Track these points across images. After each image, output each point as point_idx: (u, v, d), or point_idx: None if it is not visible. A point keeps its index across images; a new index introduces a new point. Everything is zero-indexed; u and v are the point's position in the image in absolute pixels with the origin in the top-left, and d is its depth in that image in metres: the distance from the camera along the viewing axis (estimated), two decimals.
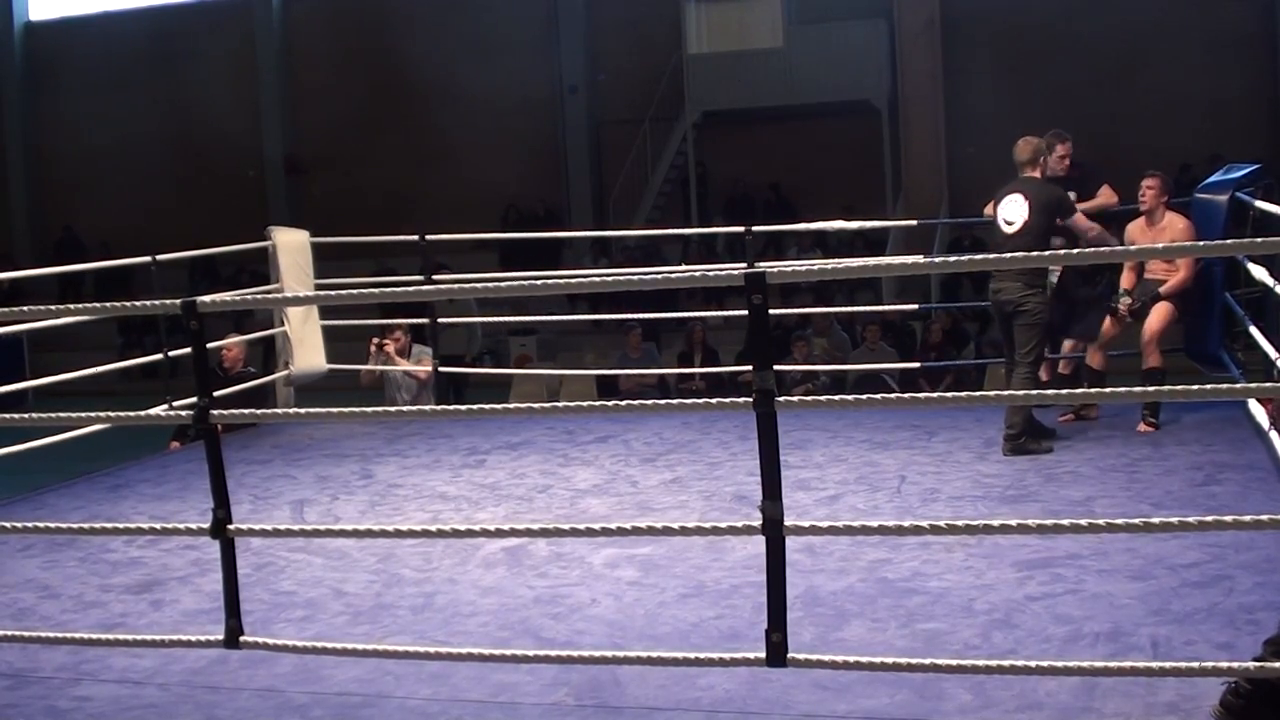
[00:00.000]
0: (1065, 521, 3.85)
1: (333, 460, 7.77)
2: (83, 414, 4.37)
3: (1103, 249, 4.17)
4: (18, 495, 7.38)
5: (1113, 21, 18.73)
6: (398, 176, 21.89)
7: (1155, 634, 4.29)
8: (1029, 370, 7.06)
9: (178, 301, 3.94)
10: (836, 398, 3.84)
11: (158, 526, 5.20)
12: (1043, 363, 7.43)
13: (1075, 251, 4.01)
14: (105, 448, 8.38)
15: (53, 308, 5.17)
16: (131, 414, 4.43)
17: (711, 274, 4.71)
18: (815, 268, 3.94)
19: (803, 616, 4.55)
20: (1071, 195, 7.54)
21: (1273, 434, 6.35)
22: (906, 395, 3.86)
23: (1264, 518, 3.54)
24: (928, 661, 3.72)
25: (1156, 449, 6.94)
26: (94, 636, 4.73)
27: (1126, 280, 7.65)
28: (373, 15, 22.39)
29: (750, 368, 3.59)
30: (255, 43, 23.06)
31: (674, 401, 4.02)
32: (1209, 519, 3.74)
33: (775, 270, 3.81)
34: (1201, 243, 7.23)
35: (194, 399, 3.97)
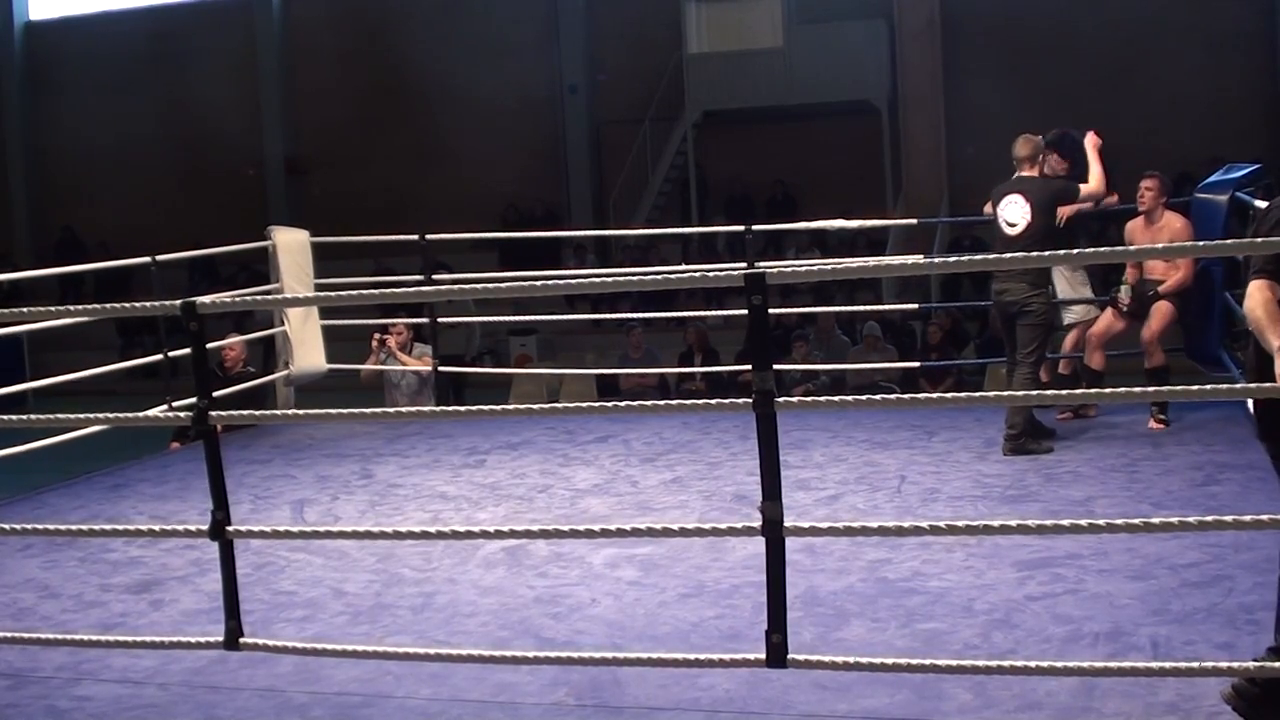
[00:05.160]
0: (1065, 521, 3.85)
1: (333, 460, 7.77)
2: (83, 414, 4.37)
3: (1103, 249, 4.16)
4: (18, 495, 7.38)
5: (1112, 21, 18.72)
6: (398, 176, 21.87)
7: (1155, 634, 4.29)
8: (1030, 370, 7.06)
9: (177, 302, 3.94)
10: (836, 398, 3.84)
11: (157, 527, 5.19)
12: (1043, 363, 7.44)
13: (1075, 252, 4.01)
14: (105, 448, 8.38)
15: (53, 308, 5.18)
16: (131, 414, 4.43)
17: (711, 274, 4.71)
18: (815, 268, 3.94)
19: (803, 616, 4.55)
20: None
21: None
22: (906, 395, 3.86)
23: (1264, 518, 3.54)
24: (928, 661, 3.73)
25: (1156, 449, 6.94)
26: (94, 637, 4.73)
27: (1130, 278, 7.66)
28: (373, 15, 22.38)
29: (750, 368, 3.59)
30: (255, 43, 23.04)
31: (674, 402, 4.02)
32: (1209, 519, 3.75)
33: (775, 270, 3.81)
34: (1201, 243, 7.23)
35: (194, 399, 3.97)
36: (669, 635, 4.57)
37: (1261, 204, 6.97)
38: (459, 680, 4.22)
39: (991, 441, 7.15)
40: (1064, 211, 7.19)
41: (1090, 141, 7.47)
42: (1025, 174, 7.23)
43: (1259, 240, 3.68)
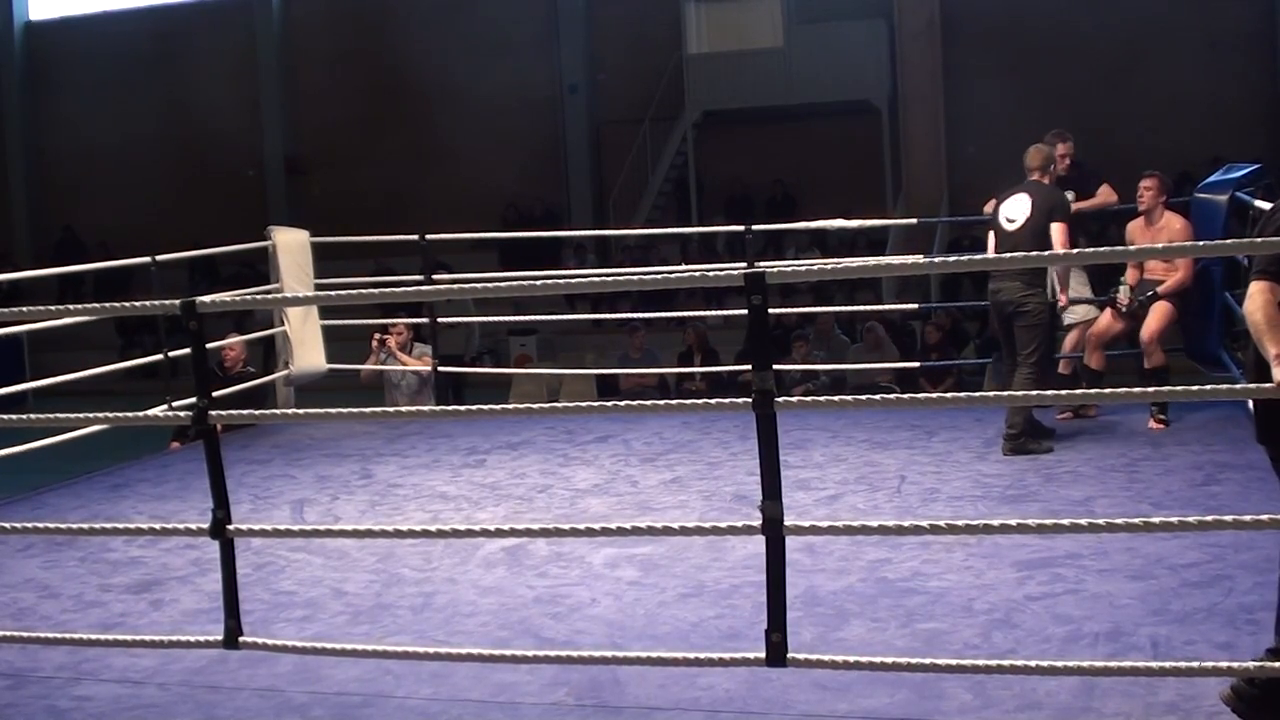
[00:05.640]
0: (1065, 521, 3.85)
1: (333, 460, 7.77)
2: (83, 414, 4.37)
3: (1103, 249, 4.17)
4: (18, 495, 7.38)
5: (1112, 21, 18.72)
6: (398, 176, 21.87)
7: (1155, 634, 4.29)
8: (1032, 370, 7.05)
9: (177, 302, 3.94)
10: (836, 398, 3.84)
11: (158, 526, 5.19)
12: (1044, 362, 7.43)
13: (1075, 252, 4.02)
14: (105, 448, 8.38)
15: (53, 308, 5.18)
16: (131, 414, 4.43)
17: (711, 274, 4.71)
18: (815, 268, 3.94)
19: (803, 616, 4.55)
20: (1070, 195, 7.56)
21: None
22: (906, 395, 3.86)
23: (1264, 518, 3.54)
24: (928, 661, 3.73)
25: (1156, 449, 6.94)
26: (94, 636, 4.73)
27: (1130, 278, 7.67)
28: (373, 15, 22.38)
29: (750, 368, 3.59)
30: (255, 43, 23.05)
31: (674, 402, 4.02)
32: (1209, 519, 3.75)
33: (775, 270, 3.81)
34: (1201, 243, 7.23)
35: (194, 399, 3.97)
36: (669, 635, 4.57)
37: (1262, 204, 6.99)
38: (459, 680, 4.22)
39: (991, 441, 7.15)
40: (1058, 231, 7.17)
41: (1104, 194, 7.78)
42: (1034, 180, 7.25)
43: (1259, 240, 3.68)
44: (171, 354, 8.02)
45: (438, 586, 5.24)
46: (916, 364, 11.66)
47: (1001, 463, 6.83)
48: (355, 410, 4.06)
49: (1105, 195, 7.97)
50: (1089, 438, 7.31)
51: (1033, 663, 3.62)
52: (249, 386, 9.05)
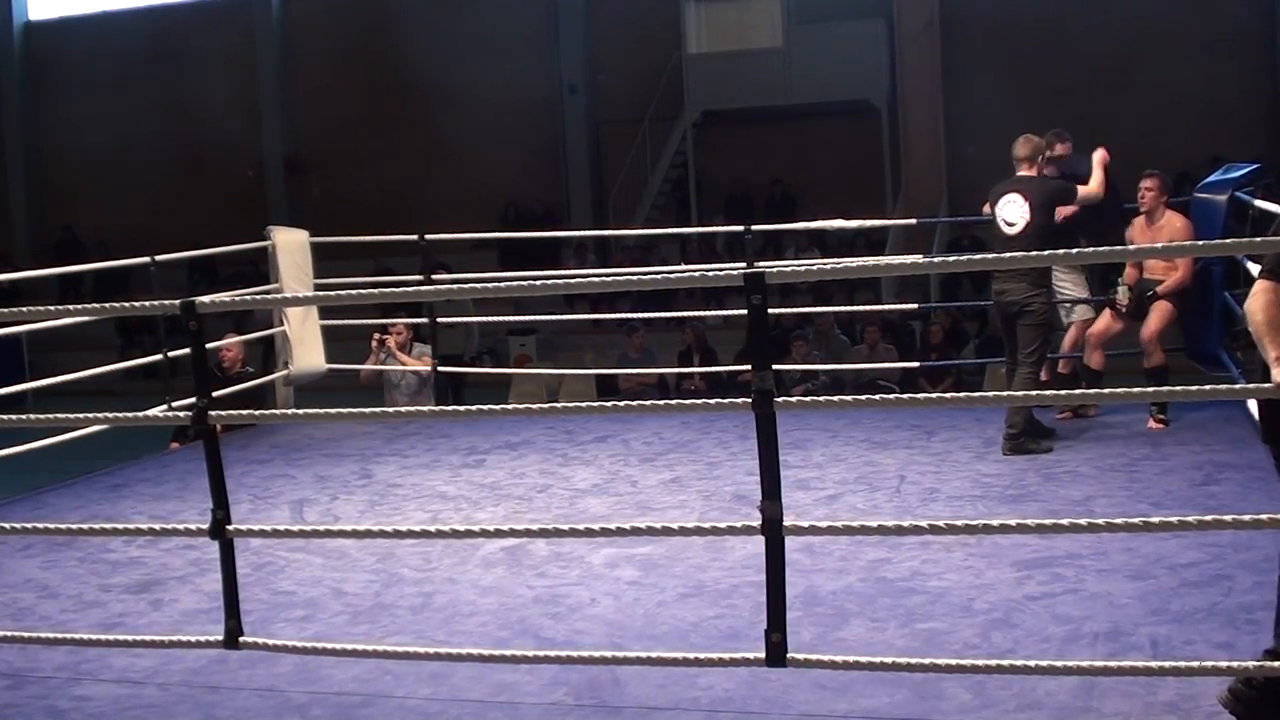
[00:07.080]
0: (1065, 521, 3.85)
1: (332, 460, 7.77)
2: (83, 414, 4.37)
3: (1102, 249, 4.17)
4: (18, 495, 7.38)
5: (1112, 21, 18.73)
6: (398, 176, 21.87)
7: (1155, 634, 4.29)
8: (1031, 370, 7.06)
9: (177, 302, 3.94)
10: (836, 398, 3.84)
11: (157, 527, 5.19)
12: (1044, 363, 7.44)
13: (1074, 251, 4.02)
14: (105, 448, 8.38)
15: (53, 308, 5.18)
16: (131, 414, 4.43)
17: (711, 274, 4.71)
18: (815, 268, 3.94)
19: (802, 616, 4.55)
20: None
21: None
22: (906, 395, 3.86)
23: (1264, 518, 3.54)
24: (927, 661, 3.73)
25: (1156, 449, 6.94)
26: (93, 636, 4.73)
27: (1129, 277, 7.67)
28: (373, 15, 22.38)
29: (749, 367, 3.59)
30: (255, 43, 23.04)
31: (673, 402, 4.02)
32: (1209, 519, 3.75)
33: (775, 270, 3.81)
34: (1201, 242, 7.23)
35: (193, 399, 3.97)
36: (668, 635, 4.57)
37: (1262, 204, 7.00)
38: (459, 680, 4.23)
39: (991, 441, 7.15)
40: (1062, 212, 7.20)
41: (1098, 158, 7.50)
42: (1024, 173, 7.23)
43: (1259, 240, 3.68)
44: (171, 354, 8.02)
45: (437, 586, 5.24)
46: (916, 364, 11.66)
47: (1001, 463, 6.83)
48: (355, 410, 4.06)
49: (1089, 190, 7.93)
50: (1089, 438, 7.31)
51: (1032, 663, 3.63)
52: (249, 386, 9.05)
